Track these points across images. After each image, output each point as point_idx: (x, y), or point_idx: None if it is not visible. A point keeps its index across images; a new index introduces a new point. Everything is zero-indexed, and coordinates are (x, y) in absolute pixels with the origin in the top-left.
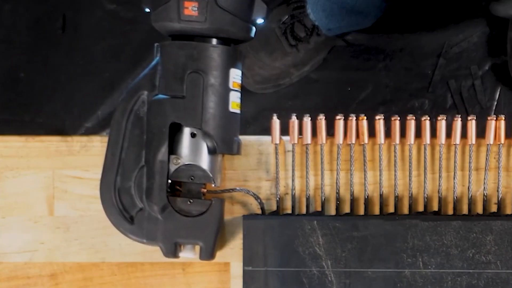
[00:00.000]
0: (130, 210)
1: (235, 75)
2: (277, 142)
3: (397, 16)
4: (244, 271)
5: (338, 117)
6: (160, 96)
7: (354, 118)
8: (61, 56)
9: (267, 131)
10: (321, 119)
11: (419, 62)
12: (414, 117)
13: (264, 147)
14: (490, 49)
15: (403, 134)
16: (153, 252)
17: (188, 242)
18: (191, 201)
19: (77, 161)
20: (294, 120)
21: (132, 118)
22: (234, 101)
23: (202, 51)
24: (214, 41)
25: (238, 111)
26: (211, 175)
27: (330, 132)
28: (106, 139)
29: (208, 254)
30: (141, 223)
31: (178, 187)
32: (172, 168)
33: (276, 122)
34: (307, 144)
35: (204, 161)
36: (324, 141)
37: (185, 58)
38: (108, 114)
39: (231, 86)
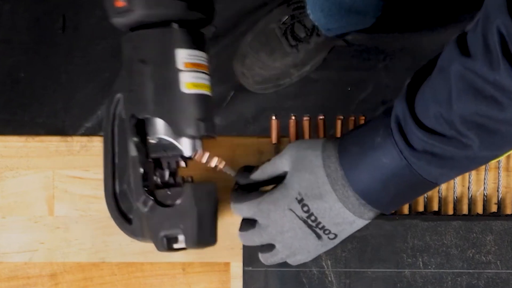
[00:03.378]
0: (128, 212)
1: (186, 55)
2: (276, 142)
3: (397, 16)
4: (244, 271)
5: (338, 117)
6: (127, 93)
7: (354, 118)
8: (61, 56)
9: (267, 131)
10: (321, 119)
11: (419, 62)
12: None
13: (264, 147)
14: None
15: None
16: (153, 252)
17: (172, 232)
18: (170, 191)
19: (77, 161)
20: (294, 120)
21: (117, 122)
22: (189, 81)
23: (143, 39)
24: (176, 25)
25: (199, 91)
26: (178, 144)
27: (330, 132)
28: None
29: (192, 241)
30: (136, 223)
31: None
32: (150, 146)
33: (274, 122)
34: None
35: (171, 133)
36: None
37: (130, 50)
38: None
39: (180, 67)
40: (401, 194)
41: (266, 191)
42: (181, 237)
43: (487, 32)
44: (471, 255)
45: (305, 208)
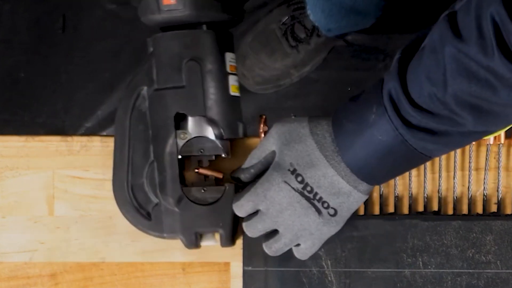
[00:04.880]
0: (146, 207)
1: (231, 59)
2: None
3: (397, 16)
4: (244, 271)
5: None
6: (160, 89)
7: None
8: (61, 56)
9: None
10: None
11: None
12: None
13: None
14: None
15: None
16: (153, 252)
17: (207, 230)
18: (205, 189)
19: (77, 161)
20: None
21: (135, 115)
22: (233, 84)
23: (195, 38)
24: (205, 27)
25: (238, 94)
26: (220, 145)
27: None
28: (106, 139)
29: (228, 240)
30: (159, 218)
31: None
32: (180, 143)
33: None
34: None
35: (212, 133)
36: None
37: (179, 48)
38: (108, 114)
39: (228, 70)
40: (396, 168)
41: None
42: (208, 235)
43: (481, 18)
44: (471, 255)
45: (299, 178)
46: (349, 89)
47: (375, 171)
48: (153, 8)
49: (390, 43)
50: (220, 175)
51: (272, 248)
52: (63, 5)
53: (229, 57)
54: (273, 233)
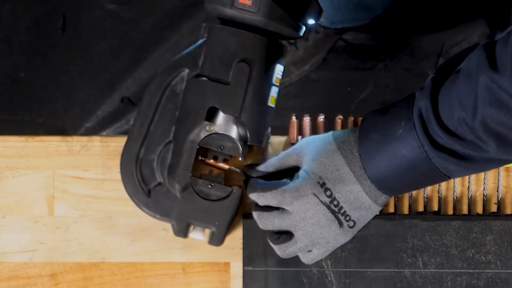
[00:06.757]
0: (148, 183)
1: (279, 71)
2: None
3: (397, 16)
4: (244, 271)
5: (338, 117)
6: (203, 77)
7: (354, 118)
8: (61, 56)
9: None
10: (321, 119)
11: (419, 62)
12: None
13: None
14: None
15: None
16: (153, 252)
17: (201, 224)
18: (212, 185)
19: (77, 161)
20: (294, 120)
21: (167, 93)
22: (273, 96)
23: (254, 42)
24: (262, 33)
25: (274, 105)
26: (241, 148)
27: None
28: (106, 139)
29: (218, 240)
30: (157, 198)
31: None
32: (203, 134)
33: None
34: None
35: (237, 134)
36: None
37: (236, 46)
38: (108, 114)
39: (273, 81)
40: (415, 183)
41: (286, 180)
42: (199, 229)
43: None
44: (471, 255)
45: (328, 193)
46: (349, 89)
47: (394, 183)
48: (226, 1)
49: (390, 43)
50: (226, 167)
51: (286, 252)
52: (63, 5)
53: (278, 69)
54: (285, 234)
